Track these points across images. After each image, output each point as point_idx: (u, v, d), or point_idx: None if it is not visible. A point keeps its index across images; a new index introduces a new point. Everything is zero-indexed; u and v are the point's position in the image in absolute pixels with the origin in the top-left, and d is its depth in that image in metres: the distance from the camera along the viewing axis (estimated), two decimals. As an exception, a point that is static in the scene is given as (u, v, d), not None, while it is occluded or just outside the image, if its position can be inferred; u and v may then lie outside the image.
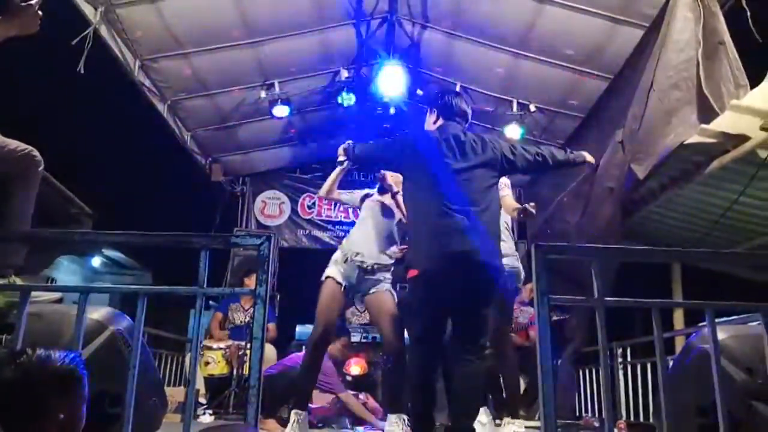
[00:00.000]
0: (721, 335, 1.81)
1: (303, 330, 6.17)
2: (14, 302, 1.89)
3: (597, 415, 5.69)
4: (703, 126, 3.36)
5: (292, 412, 3.25)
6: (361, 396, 4.86)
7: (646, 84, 3.94)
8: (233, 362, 5.48)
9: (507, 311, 3.90)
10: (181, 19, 5.26)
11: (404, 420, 3.07)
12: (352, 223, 7.71)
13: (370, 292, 3.37)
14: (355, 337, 5.65)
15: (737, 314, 2.85)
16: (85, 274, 11.90)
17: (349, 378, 5.27)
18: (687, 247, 4.17)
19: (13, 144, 2.37)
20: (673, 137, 3.63)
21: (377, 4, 5.89)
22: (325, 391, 4.53)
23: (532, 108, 6.32)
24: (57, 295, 2.25)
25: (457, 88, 6.15)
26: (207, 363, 5.49)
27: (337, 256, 3.50)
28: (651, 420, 4.77)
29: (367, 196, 3.71)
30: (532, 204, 3.20)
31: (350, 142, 3.22)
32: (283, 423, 3.58)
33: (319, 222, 8.45)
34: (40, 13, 2.21)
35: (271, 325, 5.92)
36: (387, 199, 3.54)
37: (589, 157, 3.15)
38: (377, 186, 3.57)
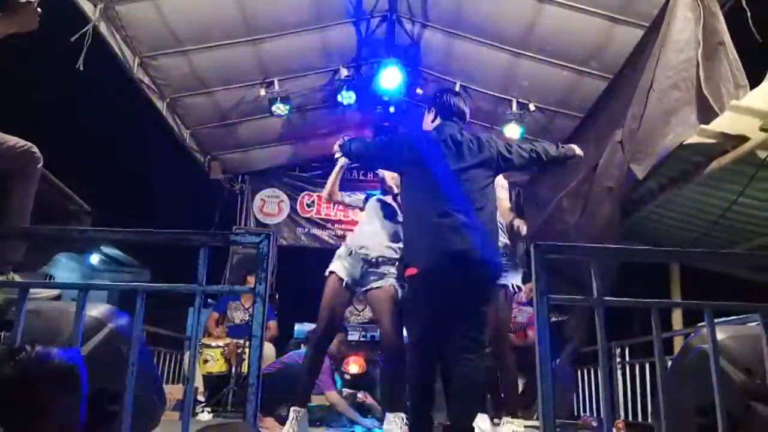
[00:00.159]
0: (720, 335, 1.81)
1: (302, 328, 6.18)
2: (13, 299, 1.89)
3: (595, 414, 5.69)
4: (703, 126, 3.36)
5: (291, 409, 3.24)
6: (360, 394, 4.86)
7: (646, 84, 3.93)
8: (232, 360, 5.49)
9: (505, 310, 3.90)
10: (180, 16, 5.25)
11: (402, 419, 3.07)
12: (352, 222, 7.74)
13: (374, 286, 3.33)
14: (354, 336, 5.65)
15: (736, 314, 2.85)
16: (83, 271, 11.87)
17: (347, 376, 5.28)
18: (686, 248, 4.17)
19: (13, 140, 2.37)
20: (672, 137, 3.63)
21: (377, 2, 5.89)
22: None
23: (532, 107, 6.33)
24: (55, 292, 2.24)
25: (457, 87, 6.15)
26: (206, 361, 5.49)
27: (341, 251, 3.49)
28: (650, 420, 4.78)
29: (370, 196, 3.72)
30: (519, 222, 3.24)
31: (346, 138, 3.22)
32: (282, 421, 3.58)
33: (318, 220, 8.45)
34: (39, 10, 2.20)
35: (272, 323, 5.93)
36: (389, 199, 3.56)
37: (578, 150, 3.18)
38: (380, 189, 3.61)
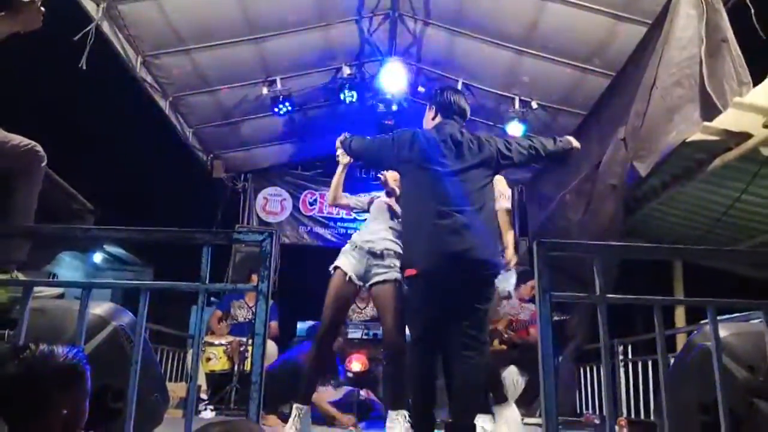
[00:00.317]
0: (722, 332, 1.81)
1: (304, 327, 6.18)
2: (17, 297, 1.90)
3: (598, 412, 5.69)
4: (706, 123, 3.36)
5: (294, 406, 3.23)
6: (362, 392, 4.86)
7: (649, 81, 3.93)
8: (235, 358, 5.50)
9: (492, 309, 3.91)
10: (182, 15, 5.26)
11: (405, 416, 3.07)
12: (354, 221, 7.75)
13: (379, 280, 3.32)
14: (356, 334, 5.66)
15: (739, 312, 2.85)
16: (87, 270, 11.90)
17: (350, 374, 5.28)
18: (689, 245, 4.16)
19: (17, 139, 2.37)
20: (675, 135, 3.63)
21: (379, 0, 5.89)
22: None
23: (534, 105, 6.31)
24: (59, 290, 2.25)
25: (459, 85, 6.14)
26: (208, 359, 5.51)
27: (346, 247, 3.49)
28: (652, 417, 4.78)
29: (374, 199, 3.72)
30: (511, 262, 3.30)
31: (347, 134, 3.22)
32: (285, 419, 3.58)
33: (320, 219, 8.45)
34: (42, 9, 2.21)
35: (273, 324, 5.93)
36: (392, 201, 3.56)
37: (575, 142, 3.17)
38: (384, 190, 3.61)
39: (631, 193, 4.43)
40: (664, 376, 1.65)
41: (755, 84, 3.33)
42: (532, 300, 5.39)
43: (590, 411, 5.95)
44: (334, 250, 3.59)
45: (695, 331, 2.23)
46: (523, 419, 3.64)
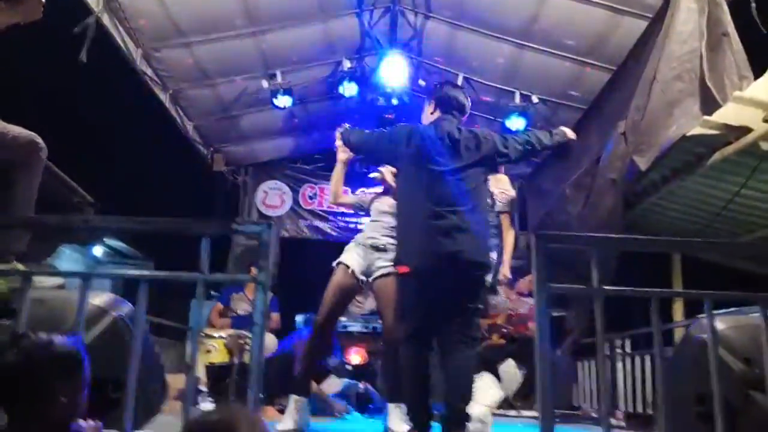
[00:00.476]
0: (719, 325, 1.82)
1: (303, 320, 6.19)
2: (16, 288, 1.90)
3: (595, 405, 5.71)
4: (706, 117, 3.36)
5: (292, 397, 3.25)
6: (361, 385, 4.88)
7: (649, 75, 3.92)
8: (234, 351, 5.51)
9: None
10: (183, 8, 5.25)
11: (403, 409, 3.09)
12: (354, 215, 7.75)
13: (382, 273, 3.34)
14: (356, 328, 5.68)
15: (736, 305, 2.85)
16: (86, 263, 11.89)
17: (349, 367, 5.31)
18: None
19: (17, 131, 2.37)
20: (675, 129, 3.62)
21: (380, -6, 5.88)
22: None
23: (535, 99, 6.31)
24: (59, 281, 2.26)
25: (460, 79, 6.15)
26: (208, 351, 5.51)
27: (350, 245, 3.54)
28: (651, 411, 4.80)
29: (375, 199, 3.73)
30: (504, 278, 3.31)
31: (347, 125, 3.22)
32: (282, 411, 3.59)
33: (320, 212, 8.45)
34: (43, 0, 2.21)
35: (275, 315, 5.94)
36: (390, 199, 3.57)
37: (570, 134, 3.14)
38: (382, 188, 3.63)
39: (631, 188, 4.43)
40: (662, 367, 1.66)
41: (756, 78, 3.32)
42: (530, 294, 5.40)
43: (587, 404, 5.97)
44: (334, 244, 3.61)
45: (692, 324, 2.24)
46: (519, 412, 3.66)
